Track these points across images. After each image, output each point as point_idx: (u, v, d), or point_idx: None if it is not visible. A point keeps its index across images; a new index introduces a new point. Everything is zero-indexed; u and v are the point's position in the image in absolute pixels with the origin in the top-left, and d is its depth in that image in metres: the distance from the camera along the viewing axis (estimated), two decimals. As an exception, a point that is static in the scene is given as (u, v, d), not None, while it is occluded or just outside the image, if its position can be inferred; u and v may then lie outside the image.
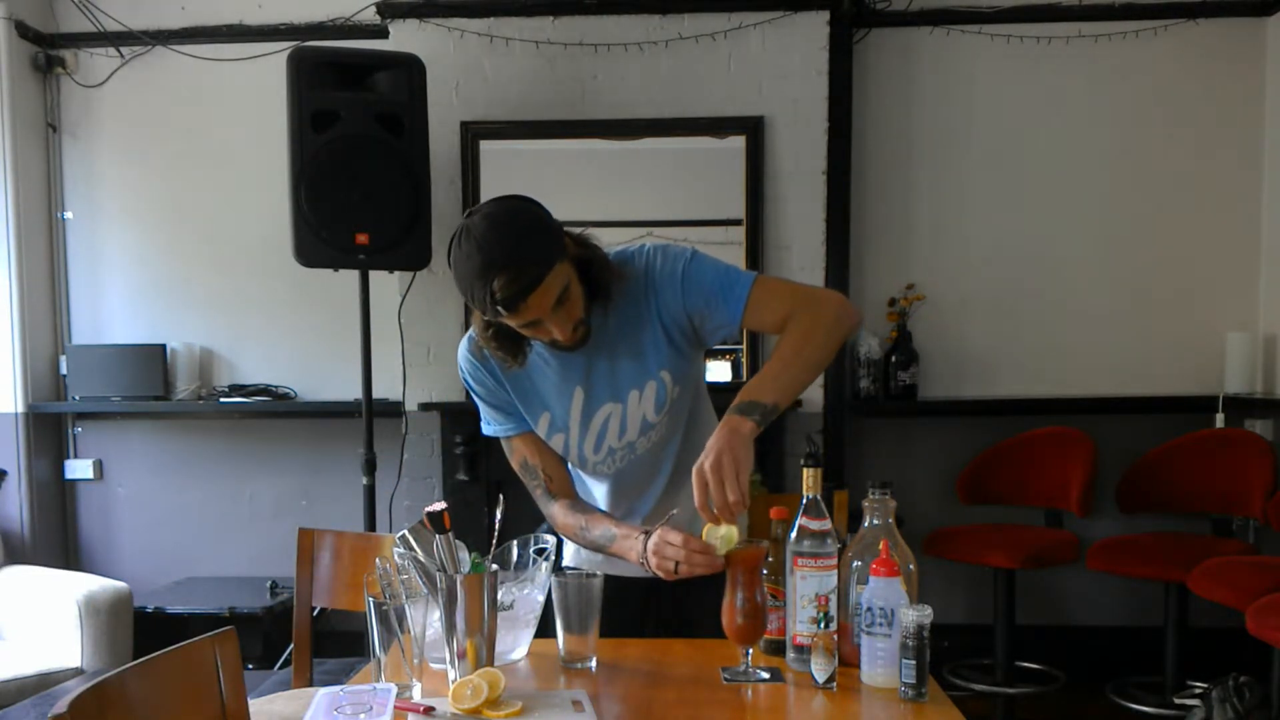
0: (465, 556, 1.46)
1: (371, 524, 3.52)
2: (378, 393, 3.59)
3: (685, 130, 3.69)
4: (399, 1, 3.69)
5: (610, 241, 1.68)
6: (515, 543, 1.65)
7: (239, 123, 3.98)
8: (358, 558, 2.05)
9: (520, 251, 1.47)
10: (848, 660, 1.45)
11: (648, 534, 1.55)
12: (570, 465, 1.79)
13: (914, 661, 1.34)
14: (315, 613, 2.15)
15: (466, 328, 4.07)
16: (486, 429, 1.79)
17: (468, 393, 1.79)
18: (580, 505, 1.75)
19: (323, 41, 3.78)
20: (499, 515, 1.61)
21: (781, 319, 1.61)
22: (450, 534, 1.44)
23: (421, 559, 1.46)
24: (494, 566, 1.46)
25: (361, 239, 3.27)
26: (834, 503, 2.95)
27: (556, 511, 1.75)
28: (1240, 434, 3.63)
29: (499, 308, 1.49)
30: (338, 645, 3.68)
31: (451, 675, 1.39)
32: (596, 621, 1.52)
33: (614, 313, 1.64)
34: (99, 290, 4.10)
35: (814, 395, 3.71)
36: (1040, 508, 3.72)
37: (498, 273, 1.46)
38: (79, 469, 4.12)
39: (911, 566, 1.46)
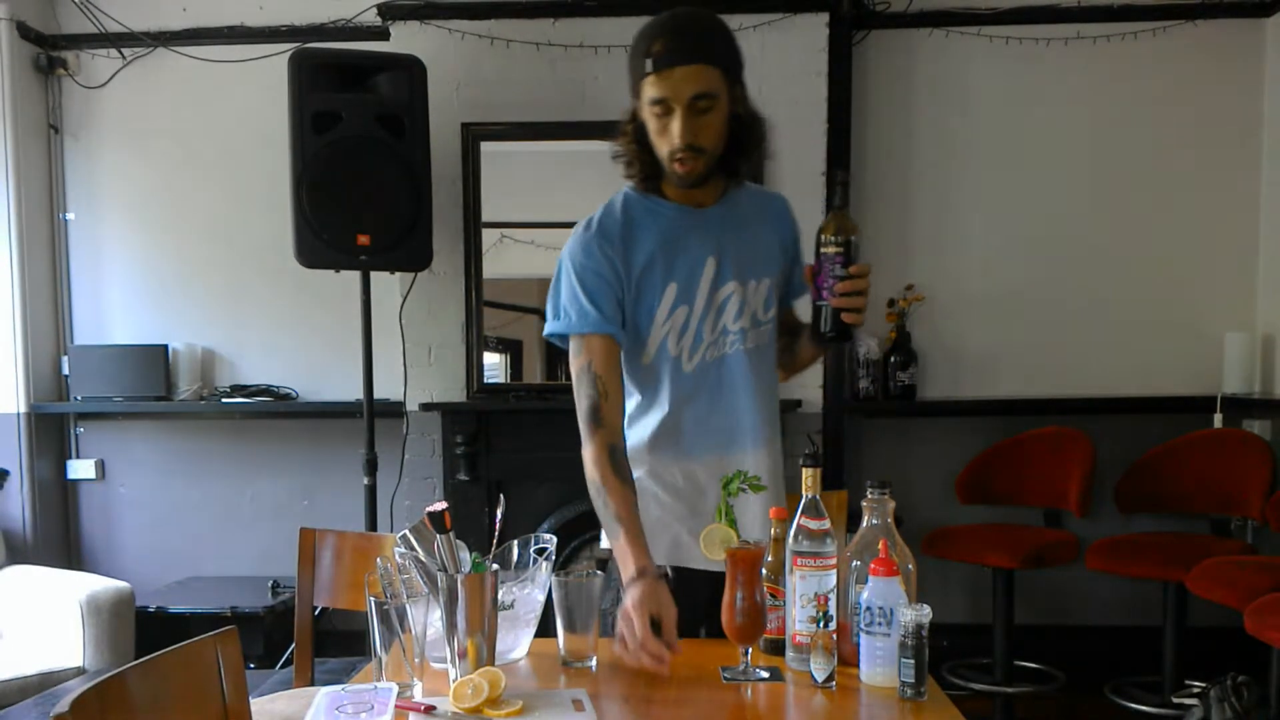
0: (466, 556, 1.46)
1: (373, 524, 3.53)
2: (379, 393, 3.59)
3: (685, 131, 3.68)
4: (400, 3, 3.70)
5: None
6: (515, 542, 1.65)
7: (240, 124, 3.99)
8: (359, 557, 2.06)
9: (695, 31, 1.55)
10: (847, 660, 1.45)
11: (639, 576, 1.48)
12: (667, 370, 1.69)
13: (913, 661, 1.34)
14: (317, 612, 2.16)
15: (467, 328, 4.08)
16: (559, 324, 1.66)
17: (570, 277, 1.66)
18: (617, 465, 1.61)
19: (324, 43, 3.79)
20: (499, 515, 1.62)
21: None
22: (451, 534, 1.44)
23: (422, 558, 1.46)
24: (494, 566, 1.46)
25: (363, 240, 3.28)
26: (833, 503, 2.95)
27: (594, 449, 1.61)
28: (1239, 434, 3.63)
29: (649, 61, 1.53)
30: (339, 645, 3.69)
31: (452, 674, 1.40)
32: (596, 621, 1.53)
33: (748, 199, 1.74)
34: (101, 291, 4.11)
35: (814, 395, 3.71)
36: (1039, 508, 3.72)
37: (667, 35, 1.53)
38: (81, 469, 4.13)
39: (910, 566, 1.46)
